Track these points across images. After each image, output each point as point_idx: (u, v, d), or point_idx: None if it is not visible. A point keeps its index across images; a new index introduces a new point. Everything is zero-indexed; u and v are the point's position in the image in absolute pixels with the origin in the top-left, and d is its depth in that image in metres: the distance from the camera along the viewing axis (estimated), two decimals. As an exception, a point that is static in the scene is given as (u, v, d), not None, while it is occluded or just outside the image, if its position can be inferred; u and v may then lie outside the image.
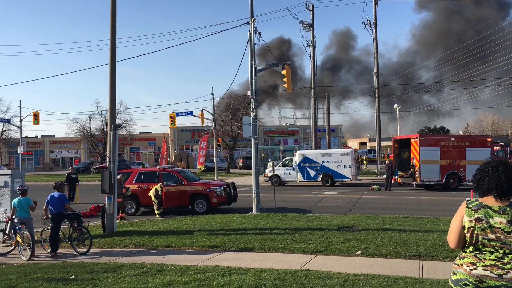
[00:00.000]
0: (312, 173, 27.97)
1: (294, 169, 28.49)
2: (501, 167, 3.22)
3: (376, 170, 37.20)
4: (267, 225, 11.86)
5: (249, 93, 16.06)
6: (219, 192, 16.42)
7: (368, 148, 73.49)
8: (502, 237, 3.05)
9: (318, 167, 27.86)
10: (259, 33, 17.01)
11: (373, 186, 25.04)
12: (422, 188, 24.61)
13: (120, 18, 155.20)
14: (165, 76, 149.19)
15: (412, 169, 24.05)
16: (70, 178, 21.46)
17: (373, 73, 38.60)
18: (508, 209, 3.12)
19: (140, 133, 64.16)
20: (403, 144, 25.72)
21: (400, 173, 25.04)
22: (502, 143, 27.96)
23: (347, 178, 27.55)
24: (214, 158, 36.77)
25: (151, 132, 67.03)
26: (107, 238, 10.98)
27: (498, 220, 3.08)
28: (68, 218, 10.10)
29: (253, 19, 16.20)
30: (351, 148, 46.21)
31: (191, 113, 35.79)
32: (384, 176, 26.04)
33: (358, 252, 8.56)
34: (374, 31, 37.69)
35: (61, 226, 10.11)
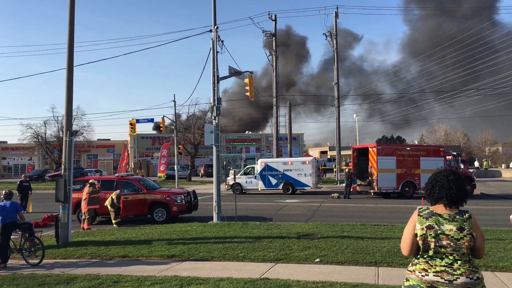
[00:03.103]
0: (274, 181, 28.15)
1: (255, 177, 28.58)
2: (451, 177, 3.36)
3: (336, 179, 37.89)
4: (227, 234, 11.79)
5: (211, 100, 16.02)
6: (179, 201, 16.20)
7: (329, 157, 74.76)
8: (452, 243, 3.17)
9: (280, 175, 28.07)
10: (222, 41, 17.01)
11: (332, 194, 25.47)
12: (379, 196, 25.26)
13: (79, 22, 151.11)
14: (126, 82, 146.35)
15: (370, 178, 24.67)
16: (23, 186, 20.58)
17: (333, 83, 39.46)
18: (458, 216, 3.25)
19: (98, 139, 62.58)
20: (362, 153, 26.37)
21: (358, 182, 25.61)
22: (455, 153, 29.11)
23: (308, 186, 27.90)
24: (175, 166, 36.30)
25: (110, 139, 65.49)
26: (60, 249, 10.56)
27: (448, 228, 3.20)
28: (19, 228, 9.66)
29: (216, 27, 16.20)
30: (312, 156, 46.85)
31: (152, 120, 35.22)
32: (344, 184, 26.56)
33: (317, 260, 8.65)
34: (334, 42, 38.60)
35: (12, 236, 9.65)
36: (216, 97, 15.67)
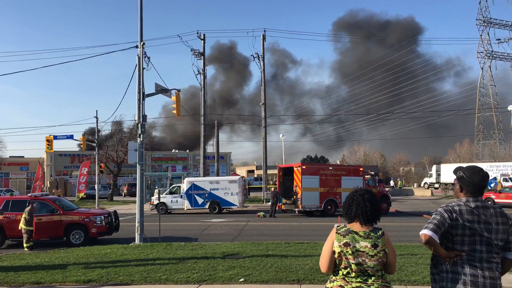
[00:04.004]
0: (200, 200, 27.82)
1: (181, 197, 28.06)
2: (367, 196, 3.52)
3: (262, 197, 38.34)
4: (150, 256, 11.37)
5: (136, 118, 15.57)
6: (99, 222, 15.39)
7: (255, 175, 75.61)
8: (367, 260, 3.30)
9: (206, 195, 27.81)
10: (148, 58, 16.68)
11: (258, 213, 25.68)
12: (303, 215, 25.90)
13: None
14: (43, 96, 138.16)
15: (295, 196, 25.25)
16: None
17: (260, 103, 40.26)
18: (372, 234, 3.40)
19: (10, 157, 58.12)
20: (287, 172, 26.97)
21: (284, 200, 26.10)
22: (372, 172, 30.84)
23: (235, 205, 27.90)
24: (96, 185, 34.59)
25: (23, 156, 60.99)
26: (-40, 277, 9.51)
27: (364, 244, 3.34)
28: None
29: (142, 43, 15.90)
30: (239, 175, 47.09)
31: (71, 137, 33.35)
32: (270, 203, 26.92)
33: (241, 280, 8.61)
34: (262, 63, 39.57)
35: None
36: (141, 114, 15.28)
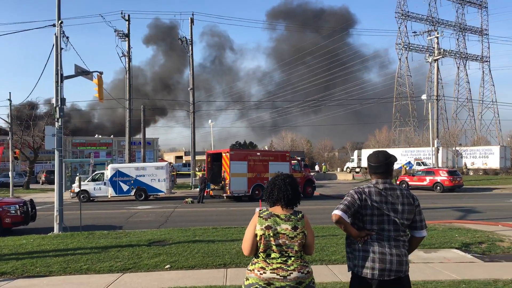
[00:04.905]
0: (125, 187, 26.99)
1: (105, 184, 27.01)
2: (288, 180, 3.64)
3: (190, 183, 38.07)
4: (70, 245, 10.87)
5: (53, 101, 14.65)
6: (13, 211, 14.38)
7: (184, 161, 74.78)
8: (287, 242, 3.43)
9: (132, 181, 27.04)
10: (67, 37, 15.76)
11: (186, 199, 25.49)
12: (232, 200, 26.15)
13: None
14: None
15: (223, 182, 25.36)
16: None
17: (189, 88, 39.65)
18: (292, 216, 3.52)
19: None
20: (216, 158, 26.98)
21: (212, 186, 26.13)
22: (299, 158, 31.77)
23: (162, 192, 27.44)
24: (10, 173, 32.20)
25: None
26: None
27: (284, 227, 3.45)
28: None
29: (60, 21, 14.94)
30: (166, 161, 46.27)
31: (-20, 120, 30.68)
32: (198, 189, 26.80)
33: (167, 266, 8.53)
34: (190, 48, 38.87)
35: None
36: (59, 97, 14.41)
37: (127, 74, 35.66)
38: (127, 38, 35.02)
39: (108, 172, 27.16)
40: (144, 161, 40.15)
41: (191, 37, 38.84)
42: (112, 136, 64.42)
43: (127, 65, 35.35)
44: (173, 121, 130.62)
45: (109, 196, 27.02)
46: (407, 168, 42.13)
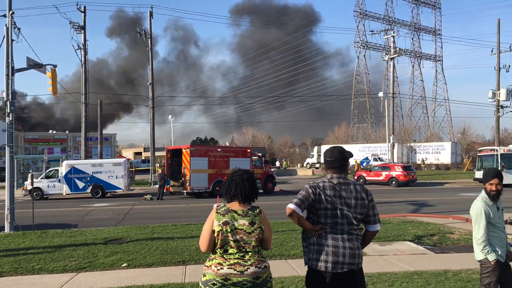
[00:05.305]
0: (81, 184, 26.22)
1: (60, 181, 26.13)
2: (245, 175, 3.65)
3: (150, 180, 37.45)
4: (22, 245, 10.44)
5: (4, 95, 14.02)
6: (-41, 211, 13.68)
7: (143, 158, 73.40)
8: (244, 237, 3.44)
9: (88, 178, 26.29)
10: (19, 29, 15.12)
11: (145, 196, 25.08)
12: (192, 196, 25.93)
13: None
14: None
15: (183, 178, 25.10)
16: None
17: (148, 83, 38.92)
18: (250, 212, 3.53)
19: None
20: (176, 154, 26.64)
21: (172, 182, 25.80)
22: (260, 154, 31.93)
23: (120, 188, 26.86)
24: (-44, 170, 30.54)
25: None
26: None
27: (242, 222, 3.46)
28: None
29: (11, 12, 14.32)
30: (124, 158, 45.25)
31: None
32: (157, 185, 26.41)
33: (124, 265, 8.37)
34: (149, 42, 38.14)
35: None
36: (10, 91, 13.82)
37: (83, 67, 34.57)
38: (83, 31, 33.93)
39: (62, 169, 26.27)
40: (101, 157, 39.09)
41: (150, 31, 38.13)
42: (67, 131, 62.22)
43: (83, 58, 34.27)
44: (136, 116, 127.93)
45: (64, 194, 26.16)
46: (361, 164, 43.13)
